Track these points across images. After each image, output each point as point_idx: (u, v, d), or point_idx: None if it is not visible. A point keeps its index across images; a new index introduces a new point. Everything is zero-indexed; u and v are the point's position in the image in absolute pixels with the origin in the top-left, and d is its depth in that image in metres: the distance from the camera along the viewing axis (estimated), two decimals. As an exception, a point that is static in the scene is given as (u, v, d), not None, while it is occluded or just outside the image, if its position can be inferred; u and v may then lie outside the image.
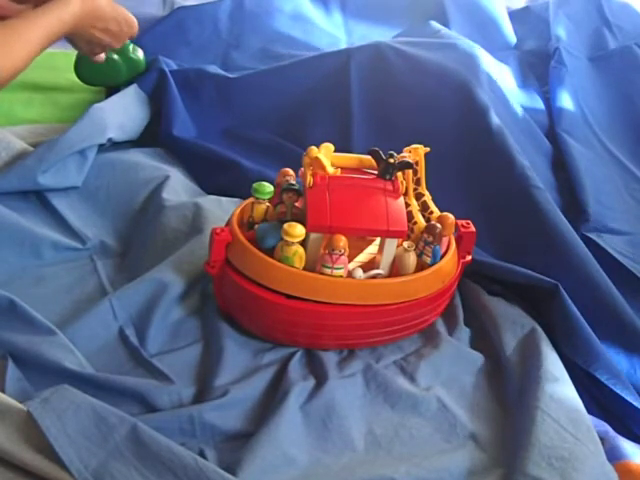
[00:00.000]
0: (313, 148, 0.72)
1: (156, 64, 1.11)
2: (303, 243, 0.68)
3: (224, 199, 0.92)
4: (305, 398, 0.67)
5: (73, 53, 1.11)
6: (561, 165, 1.12)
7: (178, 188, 0.93)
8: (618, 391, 0.74)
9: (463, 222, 0.78)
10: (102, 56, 0.89)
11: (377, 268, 0.71)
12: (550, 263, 0.85)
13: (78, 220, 0.88)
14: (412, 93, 1.10)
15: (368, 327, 0.72)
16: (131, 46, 1.12)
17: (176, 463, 0.54)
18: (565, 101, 1.25)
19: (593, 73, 1.39)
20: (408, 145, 0.78)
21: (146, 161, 0.97)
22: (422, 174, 0.78)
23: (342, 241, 0.66)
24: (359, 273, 0.69)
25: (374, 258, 0.74)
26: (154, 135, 1.04)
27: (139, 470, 0.54)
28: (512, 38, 1.52)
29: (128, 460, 0.54)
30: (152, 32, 1.32)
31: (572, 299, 0.79)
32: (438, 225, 0.72)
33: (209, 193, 0.95)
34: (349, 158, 0.75)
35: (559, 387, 0.69)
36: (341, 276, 0.68)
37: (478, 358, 0.76)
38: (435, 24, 1.40)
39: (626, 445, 0.67)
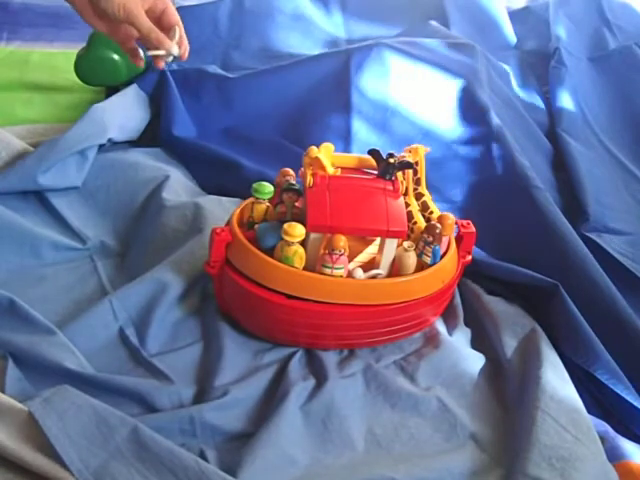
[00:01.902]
0: (313, 148, 0.72)
1: (156, 64, 1.11)
2: (303, 243, 0.68)
3: (224, 199, 0.92)
4: (305, 398, 0.67)
5: (73, 53, 1.11)
6: (561, 165, 1.12)
7: (178, 188, 0.93)
8: (618, 391, 0.74)
9: (463, 222, 0.78)
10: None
11: (377, 268, 0.71)
12: (550, 263, 0.85)
13: (78, 220, 0.88)
14: (412, 93, 1.10)
15: (368, 327, 0.72)
16: (131, 46, 1.12)
17: (177, 464, 0.54)
18: (565, 101, 1.25)
19: (593, 73, 1.39)
20: (408, 145, 0.78)
21: (146, 161, 0.97)
22: (422, 174, 0.78)
23: (342, 241, 0.66)
24: (359, 273, 0.69)
25: (374, 258, 0.74)
26: (154, 135, 1.04)
27: (140, 471, 0.54)
28: (512, 38, 1.52)
29: (129, 461, 0.54)
30: (152, 32, 1.32)
31: (572, 299, 0.79)
32: (438, 225, 0.72)
33: (209, 193, 0.95)
34: (349, 158, 0.75)
35: (559, 387, 0.69)
36: (341, 276, 0.68)
37: (478, 358, 0.76)
38: (435, 24, 1.40)
39: (626, 445, 0.67)
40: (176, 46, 0.79)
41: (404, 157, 0.73)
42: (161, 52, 0.79)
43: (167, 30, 0.80)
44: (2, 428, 0.54)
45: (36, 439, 0.54)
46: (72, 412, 0.55)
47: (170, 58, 0.80)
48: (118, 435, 0.55)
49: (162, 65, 0.81)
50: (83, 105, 1.05)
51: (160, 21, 0.80)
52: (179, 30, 0.80)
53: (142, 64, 0.87)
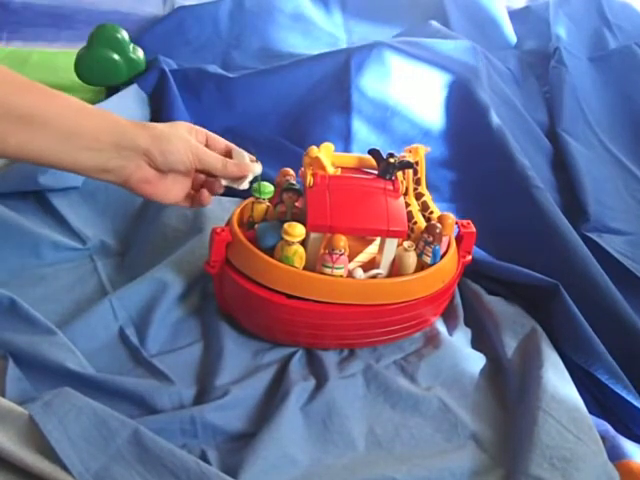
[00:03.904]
0: (313, 148, 0.72)
1: (156, 64, 1.11)
2: (303, 243, 0.68)
3: (224, 199, 0.92)
4: (306, 399, 0.67)
5: (73, 53, 1.11)
6: (561, 165, 1.12)
7: (178, 188, 0.92)
8: (618, 391, 0.74)
9: (463, 222, 0.78)
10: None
11: (377, 268, 0.71)
12: (550, 263, 0.85)
13: (78, 220, 0.88)
14: (412, 93, 1.10)
15: (368, 327, 0.72)
16: (131, 46, 1.12)
17: (178, 466, 0.54)
18: (565, 101, 1.25)
19: (593, 73, 1.39)
20: (408, 145, 0.78)
21: (146, 161, 0.96)
22: (422, 174, 0.78)
23: (342, 241, 0.66)
24: (359, 273, 0.69)
25: (374, 258, 0.74)
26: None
27: (141, 473, 0.54)
28: (512, 38, 1.53)
29: (130, 464, 0.54)
30: (152, 32, 1.32)
31: (572, 299, 0.79)
32: (438, 225, 0.72)
33: (209, 193, 0.95)
34: (349, 158, 0.75)
35: (560, 387, 0.68)
36: (341, 276, 0.68)
37: (479, 358, 0.76)
38: (435, 24, 1.40)
39: (627, 444, 0.67)
40: (255, 163, 0.68)
41: (404, 157, 0.73)
42: (249, 178, 0.68)
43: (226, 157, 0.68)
44: (3, 431, 0.54)
45: (37, 442, 0.54)
46: (72, 415, 0.55)
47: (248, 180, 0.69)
48: (119, 437, 0.55)
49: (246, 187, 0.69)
50: (83, 105, 1.05)
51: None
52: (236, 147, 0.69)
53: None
